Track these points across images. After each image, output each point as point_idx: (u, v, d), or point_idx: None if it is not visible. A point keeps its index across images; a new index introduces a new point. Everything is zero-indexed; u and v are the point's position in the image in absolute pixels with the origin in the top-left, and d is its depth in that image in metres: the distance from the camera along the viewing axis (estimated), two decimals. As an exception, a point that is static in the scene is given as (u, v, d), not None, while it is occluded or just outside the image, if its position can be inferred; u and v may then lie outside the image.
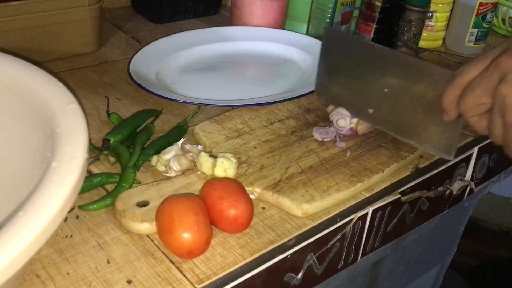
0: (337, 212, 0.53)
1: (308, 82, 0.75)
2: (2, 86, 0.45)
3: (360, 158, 0.59)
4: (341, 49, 0.64)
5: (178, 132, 0.62)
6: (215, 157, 0.54)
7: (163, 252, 0.47)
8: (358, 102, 0.62)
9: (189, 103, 0.67)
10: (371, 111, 0.61)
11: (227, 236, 0.49)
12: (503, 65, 0.42)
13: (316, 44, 0.86)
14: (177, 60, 0.81)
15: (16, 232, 0.30)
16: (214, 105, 0.68)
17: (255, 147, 0.60)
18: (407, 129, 0.58)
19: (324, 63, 0.67)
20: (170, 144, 0.58)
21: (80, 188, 0.35)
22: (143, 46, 0.81)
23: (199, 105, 0.67)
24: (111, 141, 0.58)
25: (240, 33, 0.90)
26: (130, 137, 0.61)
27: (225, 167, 0.53)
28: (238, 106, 0.68)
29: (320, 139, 0.62)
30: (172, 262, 0.46)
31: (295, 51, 0.86)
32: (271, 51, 0.87)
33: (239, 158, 0.57)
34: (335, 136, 0.62)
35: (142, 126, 0.63)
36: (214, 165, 0.53)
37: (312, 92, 0.70)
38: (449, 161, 0.62)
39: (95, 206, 0.51)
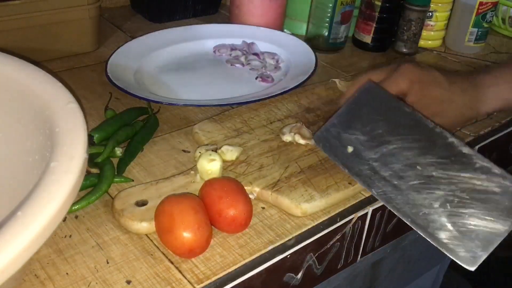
0: (336, 212, 0.53)
1: (288, 78, 0.76)
2: (1, 85, 0.45)
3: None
4: (373, 108, 0.55)
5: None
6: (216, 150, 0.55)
7: (162, 252, 0.47)
8: (373, 174, 0.52)
9: (176, 104, 0.67)
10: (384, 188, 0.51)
11: (227, 236, 0.49)
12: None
13: (293, 41, 0.86)
14: (155, 59, 0.81)
15: (15, 232, 0.30)
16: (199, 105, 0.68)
17: (254, 147, 0.60)
18: (429, 223, 0.49)
19: (345, 114, 0.56)
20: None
21: (79, 188, 0.35)
22: (118, 48, 0.79)
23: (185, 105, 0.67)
24: (95, 137, 0.58)
25: (216, 30, 0.90)
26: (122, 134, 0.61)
27: (212, 158, 0.52)
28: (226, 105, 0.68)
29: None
30: (172, 262, 0.46)
31: (271, 47, 0.86)
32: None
33: (238, 158, 0.57)
34: None
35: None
36: (204, 158, 0.53)
37: (301, 84, 0.72)
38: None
39: (77, 206, 0.51)
